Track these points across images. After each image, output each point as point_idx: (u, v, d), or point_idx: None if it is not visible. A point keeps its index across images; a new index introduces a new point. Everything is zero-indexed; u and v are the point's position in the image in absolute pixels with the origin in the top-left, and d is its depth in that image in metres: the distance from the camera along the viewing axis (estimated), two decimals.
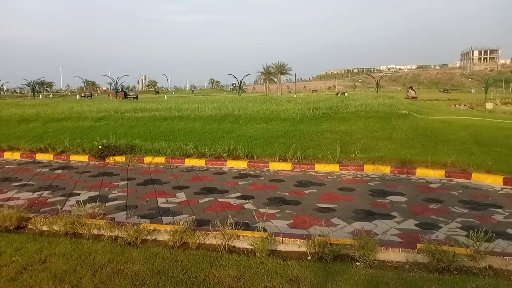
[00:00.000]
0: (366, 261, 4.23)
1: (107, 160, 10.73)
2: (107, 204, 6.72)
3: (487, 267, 4.14)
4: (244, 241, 4.76)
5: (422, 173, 8.51)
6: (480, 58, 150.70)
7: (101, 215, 5.83)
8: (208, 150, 10.37)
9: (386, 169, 8.82)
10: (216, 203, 6.71)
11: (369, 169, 8.95)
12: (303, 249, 4.62)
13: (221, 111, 16.38)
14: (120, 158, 10.72)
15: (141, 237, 4.92)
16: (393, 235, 5.17)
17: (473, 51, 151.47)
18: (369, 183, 7.99)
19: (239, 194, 7.27)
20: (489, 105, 30.35)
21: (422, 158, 8.89)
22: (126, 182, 8.42)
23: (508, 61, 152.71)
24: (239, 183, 8.14)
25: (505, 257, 4.20)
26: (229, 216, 5.40)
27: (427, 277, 3.95)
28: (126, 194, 7.38)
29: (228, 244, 4.71)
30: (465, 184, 7.78)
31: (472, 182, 7.91)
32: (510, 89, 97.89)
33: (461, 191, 7.26)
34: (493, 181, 7.77)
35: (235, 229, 4.80)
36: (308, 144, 10.76)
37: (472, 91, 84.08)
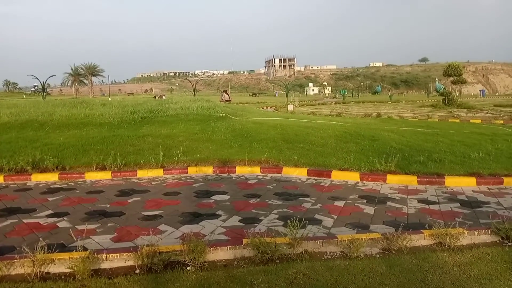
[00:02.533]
0: (197, 264, 4.21)
1: None
2: None
3: (303, 252, 4.60)
4: (61, 264, 4.17)
5: (241, 170, 9.04)
6: (281, 66, 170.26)
7: None
8: (6, 163, 8.85)
9: (209, 170, 9.06)
10: (22, 225, 5.73)
11: (192, 171, 9.04)
12: (130, 262, 4.31)
13: (21, 117, 14.23)
14: None
15: None
16: (220, 234, 5.30)
17: (275, 59, 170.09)
18: (193, 185, 8.06)
19: (50, 211, 6.38)
20: (290, 107, 34.54)
21: (240, 157, 9.45)
22: None
23: (302, 68, 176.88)
24: (50, 199, 7.16)
25: (316, 241, 4.74)
26: (40, 238, 4.66)
27: (254, 270, 4.15)
28: None
29: (40, 271, 4.04)
30: (278, 177, 8.58)
31: (283, 175, 8.78)
32: (305, 93, 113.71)
33: (275, 185, 7.97)
34: (300, 173, 8.79)
35: (48, 252, 4.15)
36: (129, 149, 10.24)
37: (276, 95, 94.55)
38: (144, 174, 8.90)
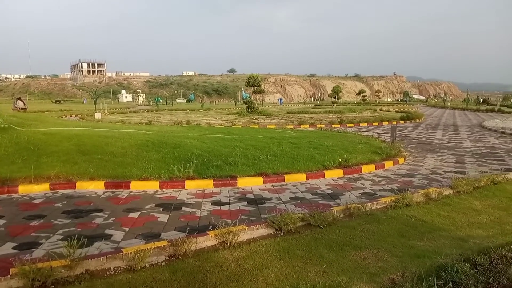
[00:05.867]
0: None
1: None
2: None
3: (84, 272, 4.28)
4: None
5: (26, 189, 7.97)
6: (89, 71, 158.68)
7: None
8: None
9: None
10: None
11: None
12: None
13: None
14: None
15: None
16: None
17: (82, 63, 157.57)
18: None
19: None
20: (98, 115, 32.45)
21: (25, 173, 8.33)
22: None
23: (114, 74, 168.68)
24: None
25: (99, 258, 4.47)
26: None
27: None
28: None
29: None
30: (70, 194, 7.88)
31: (77, 191, 8.11)
32: (118, 100, 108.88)
33: (65, 202, 7.29)
34: (96, 187, 8.27)
35: None
36: None
37: (84, 102, 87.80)
38: None
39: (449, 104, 73.41)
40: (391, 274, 4.19)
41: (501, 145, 16.56)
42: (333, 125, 25.53)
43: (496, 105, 59.93)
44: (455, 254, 4.67)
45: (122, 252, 4.60)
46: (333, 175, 9.75)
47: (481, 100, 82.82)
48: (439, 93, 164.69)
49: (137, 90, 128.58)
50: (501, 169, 10.80)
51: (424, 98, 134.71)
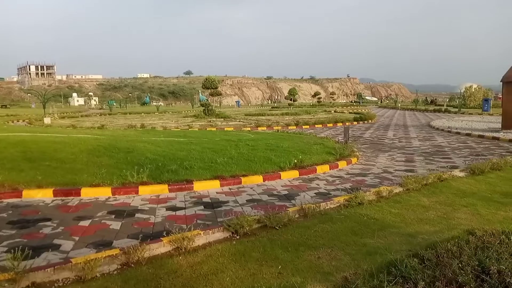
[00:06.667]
0: None
1: None
2: None
3: (30, 285, 4.08)
4: None
5: None
6: (37, 73, 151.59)
7: None
8: None
9: None
10: None
11: None
12: None
13: None
14: None
15: None
16: None
17: (29, 66, 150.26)
18: None
19: None
20: (47, 120, 31.03)
21: None
22: None
23: (64, 77, 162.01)
24: None
25: (46, 270, 4.27)
26: None
27: None
28: None
29: None
30: (16, 203, 7.46)
31: (23, 200, 7.70)
32: (69, 104, 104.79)
33: (10, 212, 6.90)
34: (44, 195, 7.89)
35: None
36: None
37: (33, 106, 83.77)
38: None
39: (399, 105, 76.47)
40: (344, 272, 4.28)
41: (448, 143, 17.44)
42: (289, 127, 25.86)
43: (443, 105, 63.18)
44: (405, 250, 4.85)
45: (71, 262, 4.41)
46: (289, 176, 9.87)
47: (429, 100, 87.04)
48: (390, 94, 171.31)
49: (89, 93, 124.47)
50: (447, 166, 11.36)
51: (376, 99, 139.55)
